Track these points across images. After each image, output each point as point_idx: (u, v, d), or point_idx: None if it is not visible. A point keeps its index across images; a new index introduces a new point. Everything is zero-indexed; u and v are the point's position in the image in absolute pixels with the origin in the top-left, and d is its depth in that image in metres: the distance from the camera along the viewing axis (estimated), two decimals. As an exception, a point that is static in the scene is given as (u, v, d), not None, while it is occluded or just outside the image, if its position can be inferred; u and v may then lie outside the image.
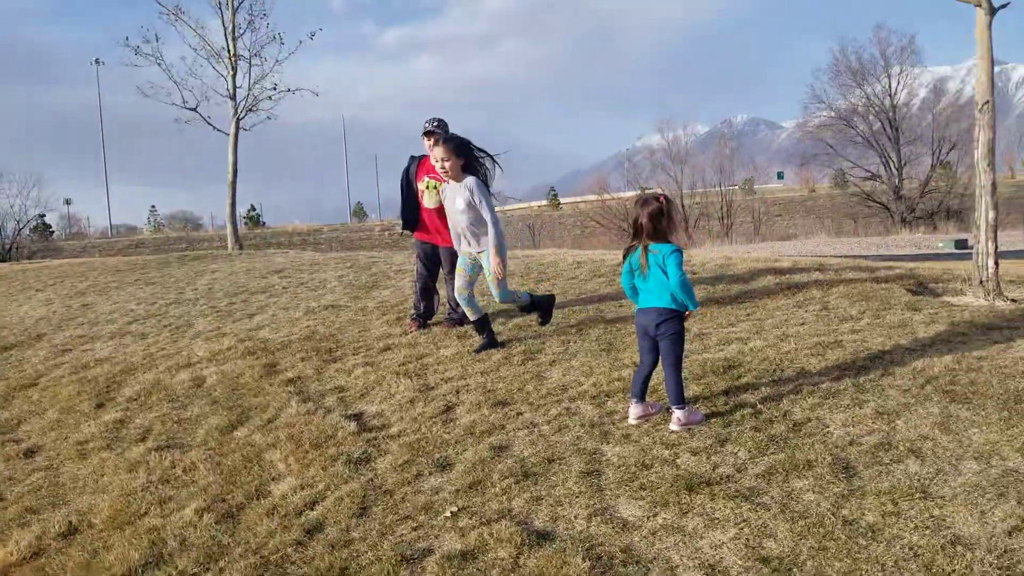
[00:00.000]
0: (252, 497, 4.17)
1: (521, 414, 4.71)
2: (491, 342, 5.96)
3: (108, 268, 12.90)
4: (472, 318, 5.97)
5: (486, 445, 4.35)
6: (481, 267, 5.89)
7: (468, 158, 5.70)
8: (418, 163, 6.74)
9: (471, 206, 5.66)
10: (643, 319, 4.32)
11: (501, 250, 5.78)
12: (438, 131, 6.49)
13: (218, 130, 20.74)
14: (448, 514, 3.73)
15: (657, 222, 4.23)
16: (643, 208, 4.27)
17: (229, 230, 20.90)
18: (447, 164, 5.60)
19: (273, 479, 4.35)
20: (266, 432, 4.90)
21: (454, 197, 5.74)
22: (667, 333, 4.23)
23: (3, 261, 29.02)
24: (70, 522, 4.20)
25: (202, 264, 12.56)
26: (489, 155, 5.89)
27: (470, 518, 3.65)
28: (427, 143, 6.51)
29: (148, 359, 6.74)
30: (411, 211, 6.78)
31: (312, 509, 3.96)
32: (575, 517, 3.54)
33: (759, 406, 4.35)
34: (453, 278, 6.70)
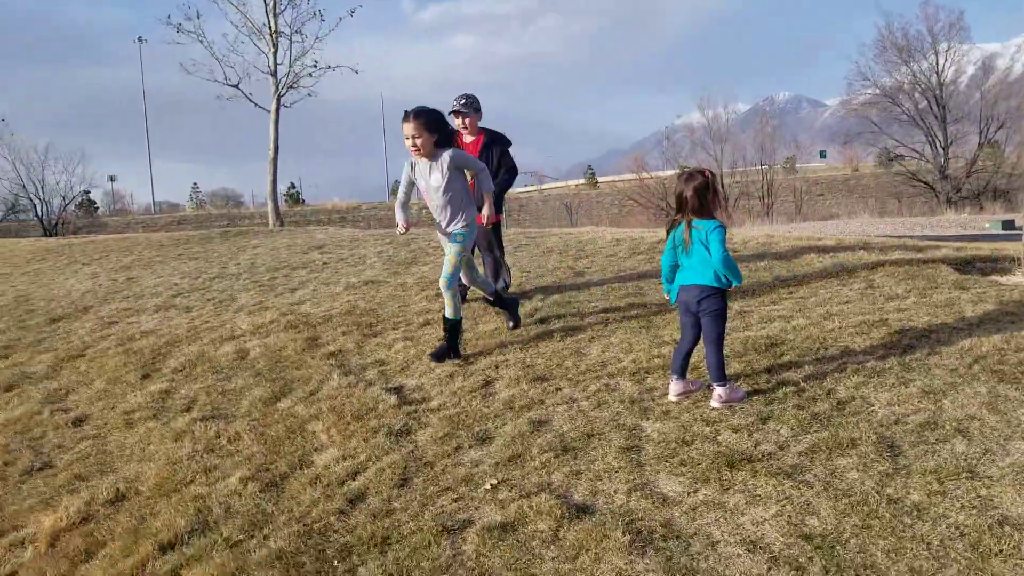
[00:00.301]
0: (295, 467, 4.23)
1: (560, 389, 4.71)
2: (451, 349, 5.41)
3: (152, 243, 13.11)
4: (447, 313, 5.39)
5: (525, 419, 4.37)
6: (462, 247, 5.41)
7: (441, 133, 5.27)
8: (456, 136, 6.70)
9: (452, 181, 5.28)
10: (685, 295, 4.29)
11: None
12: (464, 110, 6.44)
13: (259, 107, 20.91)
14: (488, 486, 3.75)
15: (702, 197, 4.19)
16: (688, 182, 4.23)
17: (270, 207, 21.11)
18: (419, 141, 5.16)
19: (315, 450, 4.41)
20: (308, 404, 4.97)
21: (428, 175, 5.34)
22: (709, 310, 4.20)
23: (50, 236, 29.66)
24: (118, 489, 4.29)
25: (244, 240, 12.71)
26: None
27: (510, 491, 3.68)
28: (456, 123, 6.49)
29: (192, 332, 6.85)
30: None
31: (354, 479, 4.01)
32: (615, 492, 3.54)
33: (802, 384, 4.31)
34: (485, 256, 6.71)
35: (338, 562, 3.34)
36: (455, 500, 3.69)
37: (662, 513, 3.33)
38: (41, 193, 44.37)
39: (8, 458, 4.92)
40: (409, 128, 5.13)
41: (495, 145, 6.47)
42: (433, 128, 5.19)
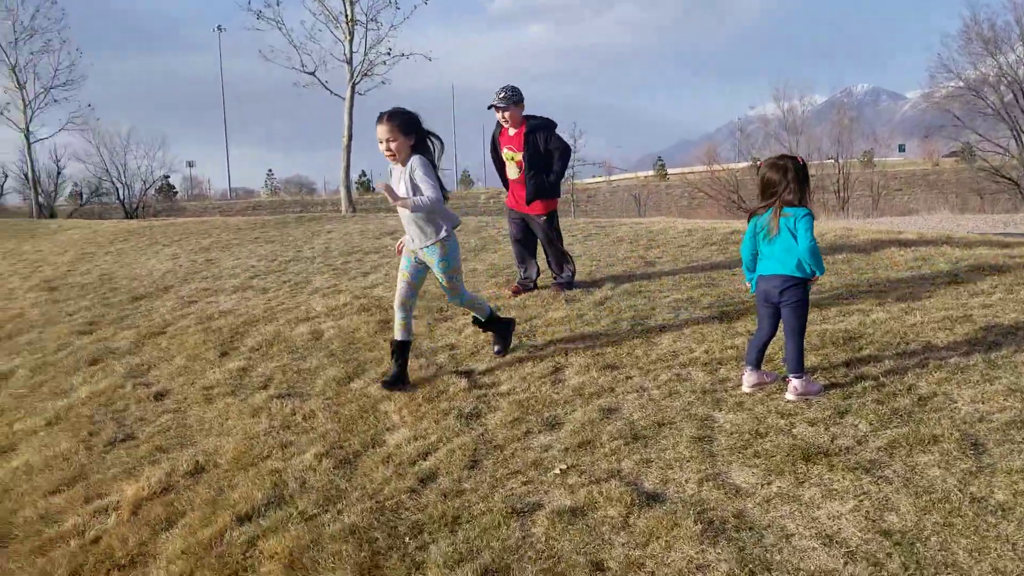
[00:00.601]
0: (368, 446, 4.31)
1: (630, 378, 4.69)
2: (399, 377, 4.94)
3: (230, 227, 13.45)
4: (396, 335, 4.97)
5: (595, 407, 4.36)
6: (428, 268, 4.97)
7: (419, 137, 4.77)
8: (499, 130, 6.62)
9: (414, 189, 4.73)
10: (765, 285, 4.21)
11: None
12: (502, 103, 6.31)
13: (334, 94, 21.23)
14: (558, 471, 3.76)
15: (799, 183, 4.11)
16: (779, 168, 4.14)
17: (343, 193, 21.44)
18: (393, 144, 4.68)
19: (387, 429, 4.48)
20: (381, 386, 5.04)
21: (397, 182, 4.82)
22: (791, 300, 4.12)
23: (131, 218, 30.68)
24: (197, 461, 4.43)
25: (318, 225, 12.95)
26: (437, 136, 4.91)
27: (579, 476, 3.68)
28: (497, 117, 6.45)
29: (269, 312, 7.01)
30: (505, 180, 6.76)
31: (425, 460, 4.06)
32: (686, 481, 3.51)
33: (882, 379, 4.20)
34: (547, 248, 6.64)
35: (409, 539, 3.39)
36: (524, 483, 3.71)
37: (734, 504, 3.29)
38: (123, 177, 45.89)
39: (93, 429, 5.11)
40: (383, 130, 4.68)
41: (539, 131, 6.38)
42: (409, 130, 4.71)
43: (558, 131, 6.53)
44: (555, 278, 6.80)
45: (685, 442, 3.83)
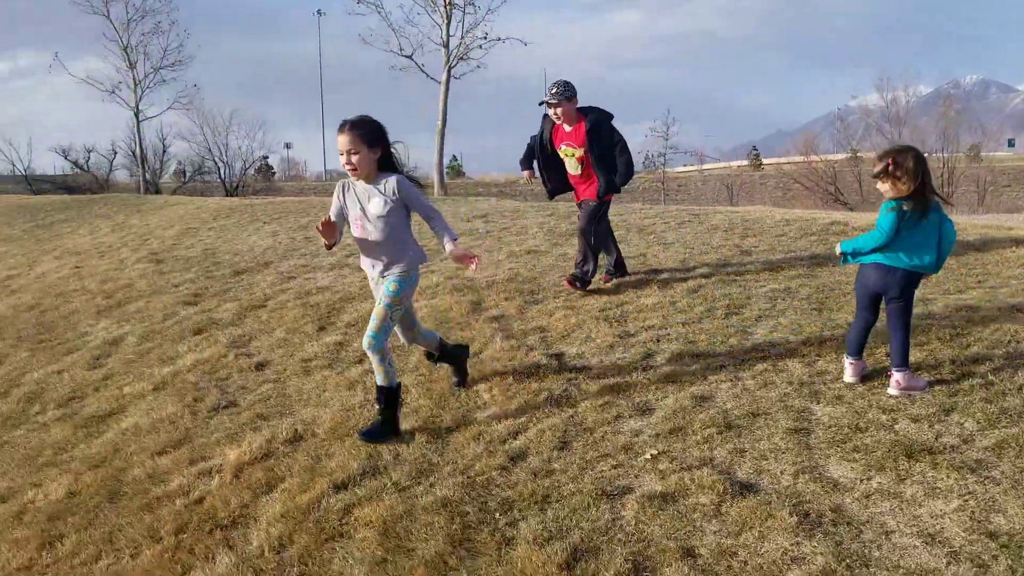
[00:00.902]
0: (459, 423, 4.37)
1: (724, 367, 4.62)
2: (390, 426, 4.30)
3: (326, 207, 13.77)
4: (379, 379, 4.28)
5: (687, 394, 4.32)
6: (398, 298, 4.30)
7: (385, 150, 4.23)
8: (551, 129, 6.35)
9: (394, 213, 4.22)
10: (878, 275, 4.04)
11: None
12: (554, 99, 6.06)
13: (431, 78, 21.49)
14: (648, 456, 3.75)
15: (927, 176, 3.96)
16: (922, 161, 3.96)
17: (435, 177, 21.73)
18: (355, 157, 4.11)
19: (478, 407, 4.53)
20: (472, 364, 5.10)
21: (366, 200, 4.25)
22: (905, 294, 4.00)
23: (231, 196, 31.72)
24: (296, 430, 4.57)
25: (410, 206, 13.14)
26: (398, 145, 4.36)
27: (670, 462, 3.66)
28: (551, 113, 6.20)
29: (364, 290, 7.16)
30: (556, 179, 6.49)
31: (515, 439, 4.10)
32: (781, 472, 3.46)
33: (990, 377, 4.03)
34: (581, 235, 6.29)
35: (500, 515, 3.44)
36: (614, 467, 3.71)
37: (832, 498, 3.22)
38: (224, 156, 47.40)
39: (197, 395, 5.33)
40: (344, 141, 4.11)
41: (601, 125, 6.12)
42: (375, 141, 4.16)
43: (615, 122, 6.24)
44: (574, 270, 6.45)
45: (780, 433, 3.76)
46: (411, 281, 4.35)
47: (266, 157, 55.76)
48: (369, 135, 4.13)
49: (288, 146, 68.54)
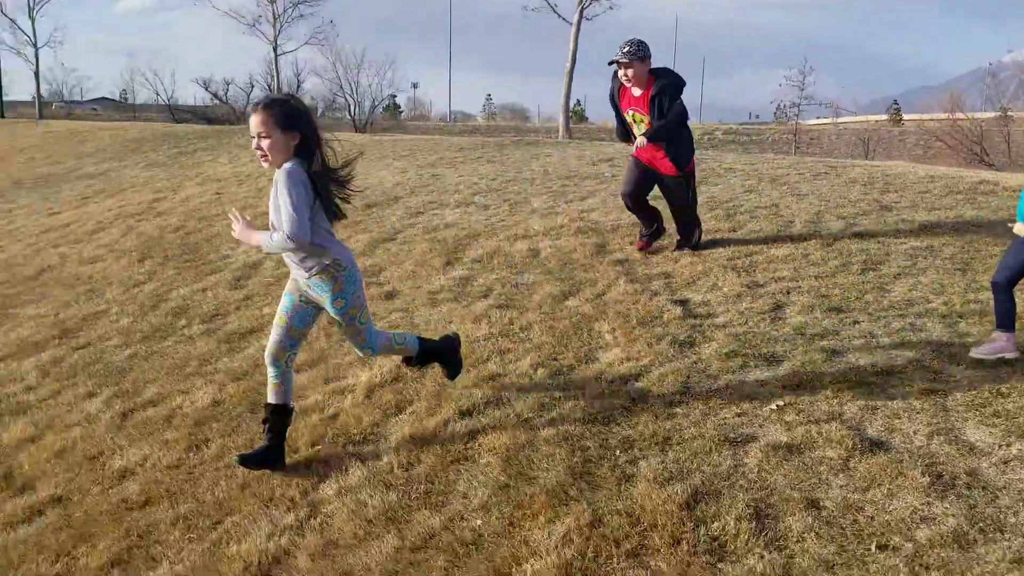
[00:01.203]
0: (581, 360, 4.42)
1: (858, 323, 4.49)
2: (271, 452, 3.72)
3: (453, 145, 13.94)
4: (270, 397, 3.76)
5: (817, 348, 4.23)
6: (319, 310, 3.74)
7: (303, 137, 3.45)
8: (619, 89, 5.90)
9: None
10: None
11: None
12: (626, 59, 5.59)
13: (562, 19, 21.24)
14: (774, 407, 3.70)
15: None
16: None
17: (561, 119, 21.63)
18: (266, 143, 3.40)
19: (600, 348, 4.57)
20: (595, 305, 5.13)
21: (273, 193, 3.51)
22: None
23: (360, 133, 32.45)
24: (423, 358, 4.72)
25: (536, 149, 13.15)
26: (324, 140, 3.54)
27: (797, 414, 3.60)
28: (620, 73, 5.74)
29: (489, 228, 7.27)
30: (628, 136, 6.03)
31: (637, 380, 4.12)
32: (913, 432, 3.36)
33: None
34: (676, 210, 5.97)
35: (620, 452, 3.48)
36: (738, 415, 3.68)
37: (967, 461, 3.12)
38: (355, 94, 48.46)
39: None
40: (254, 122, 3.42)
41: (663, 95, 5.64)
42: (290, 126, 3.42)
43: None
44: (679, 242, 6.21)
45: (915, 394, 3.64)
46: (348, 280, 3.61)
47: (394, 96, 56.65)
48: (283, 117, 3.40)
49: (415, 86, 69.53)
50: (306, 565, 3.06)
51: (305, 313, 3.73)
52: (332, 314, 3.68)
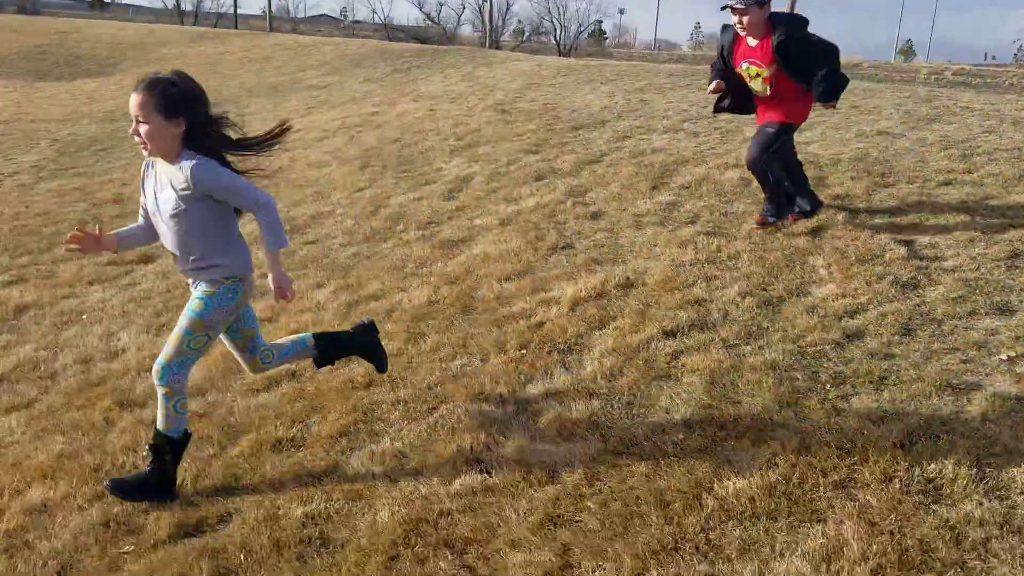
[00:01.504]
0: (792, 293, 4.31)
1: (1111, 278, 4.09)
2: (158, 482, 3.20)
3: (662, 72, 13.63)
4: (158, 422, 3.20)
5: (1060, 301, 3.89)
6: (202, 319, 3.10)
7: (190, 125, 2.98)
8: (733, 40, 5.12)
9: (192, 212, 3.02)
10: None
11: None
12: (739, 4, 4.80)
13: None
14: (1004, 357, 3.48)
15: None
16: None
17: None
18: (144, 128, 2.93)
19: (814, 282, 4.43)
20: (811, 238, 4.95)
21: (159, 190, 3.08)
22: None
23: (565, 57, 32.34)
24: (627, 277, 4.77)
25: (748, 78, 12.61)
26: (222, 121, 3.12)
27: (1031, 367, 3.37)
28: (734, 21, 4.95)
29: (698, 155, 7.12)
30: (734, 97, 5.22)
31: (852, 318, 3.98)
32: None
33: None
34: (753, 163, 5.08)
35: (831, 386, 3.40)
36: (963, 362, 3.49)
37: None
38: (562, 18, 48.25)
39: (538, 234, 5.70)
40: (133, 104, 2.94)
41: (789, 45, 4.79)
42: (174, 111, 2.94)
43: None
44: (762, 215, 5.36)
45: None
46: (225, 298, 3.13)
47: (600, 21, 55.90)
48: (165, 102, 2.92)
49: (622, 12, 68.19)
50: (513, 455, 3.24)
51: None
52: (185, 309, 3.15)
